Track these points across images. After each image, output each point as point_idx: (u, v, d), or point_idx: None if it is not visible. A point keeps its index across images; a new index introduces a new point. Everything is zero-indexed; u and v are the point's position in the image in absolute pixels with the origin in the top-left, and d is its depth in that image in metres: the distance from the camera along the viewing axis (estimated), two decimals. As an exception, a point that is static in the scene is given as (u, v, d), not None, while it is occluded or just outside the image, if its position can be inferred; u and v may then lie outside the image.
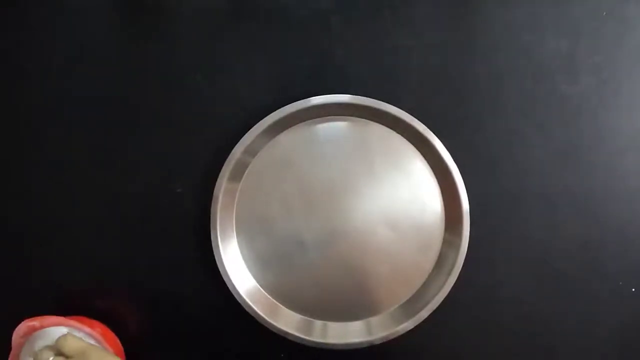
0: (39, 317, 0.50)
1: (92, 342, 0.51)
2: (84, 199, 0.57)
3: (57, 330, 0.51)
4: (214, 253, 0.55)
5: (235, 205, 0.56)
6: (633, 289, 0.57)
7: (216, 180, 0.55)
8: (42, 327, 0.50)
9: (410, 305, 0.56)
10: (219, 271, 0.55)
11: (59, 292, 0.55)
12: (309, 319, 0.56)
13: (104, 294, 0.57)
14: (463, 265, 0.55)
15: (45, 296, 0.55)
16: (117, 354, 0.51)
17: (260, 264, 0.56)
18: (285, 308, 0.56)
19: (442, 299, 0.54)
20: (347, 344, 0.55)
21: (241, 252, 0.56)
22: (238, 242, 0.56)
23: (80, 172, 0.57)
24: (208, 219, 0.55)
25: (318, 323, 0.56)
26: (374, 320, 0.56)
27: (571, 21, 0.58)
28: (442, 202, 0.57)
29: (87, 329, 0.50)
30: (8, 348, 0.50)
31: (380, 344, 0.55)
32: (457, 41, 0.58)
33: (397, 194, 0.56)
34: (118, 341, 0.54)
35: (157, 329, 0.57)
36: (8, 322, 0.50)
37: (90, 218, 0.57)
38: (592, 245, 0.57)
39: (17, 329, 0.50)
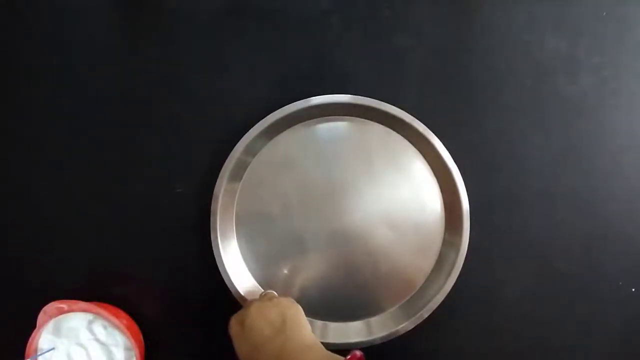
0: (68, 301, 0.51)
1: (117, 332, 0.52)
2: (84, 199, 0.57)
3: (83, 316, 0.51)
4: (214, 253, 0.55)
5: (235, 205, 0.56)
6: (633, 289, 0.57)
7: (216, 180, 0.55)
8: (70, 310, 0.51)
9: (410, 305, 0.56)
10: (219, 271, 0.55)
11: (58, 291, 0.55)
12: (309, 318, 0.56)
13: (103, 293, 0.56)
14: (463, 266, 0.54)
15: (44, 294, 0.55)
16: (138, 346, 0.52)
17: (260, 263, 0.56)
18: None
19: (442, 299, 0.54)
20: (347, 344, 0.54)
21: (241, 252, 0.56)
22: (238, 242, 0.56)
23: (80, 172, 0.57)
24: (208, 219, 0.55)
25: (318, 323, 0.56)
26: (374, 320, 0.56)
27: (571, 21, 0.58)
28: (442, 202, 0.57)
29: (114, 319, 0.51)
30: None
31: (380, 344, 0.55)
32: (457, 41, 0.58)
33: (397, 194, 0.56)
34: (140, 334, 0.54)
35: (157, 328, 0.56)
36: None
37: (91, 218, 0.57)
38: (592, 245, 0.57)
39: (44, 309, 0.51)
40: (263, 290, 0.55)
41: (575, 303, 0.57)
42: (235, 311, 0.55)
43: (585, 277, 0.57)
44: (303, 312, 0.50)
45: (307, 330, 0.48)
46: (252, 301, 0.50)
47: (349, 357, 0.42)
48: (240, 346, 0.47)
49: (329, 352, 0.45)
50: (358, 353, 0.43)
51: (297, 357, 0.44)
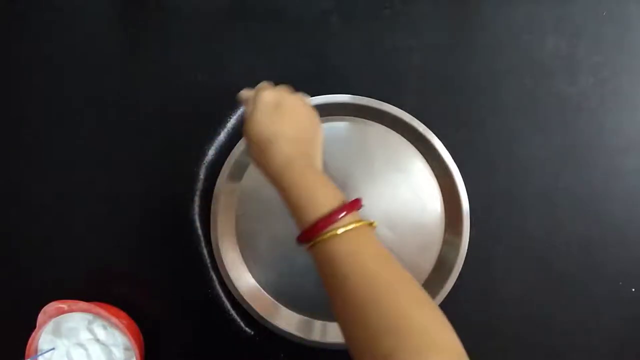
0: (68, 301, 0.51)
1: (117, 332, 0.52)
2: (84, 199, 0.57)
3: (83, 316, 0.51)
4: (214, 253, 0.55)
5: (235, 205, 0.56)
6: (633, 289, 0.57)
7: (216, 180, 0.55)
8: (70, 310, 0.51)
9: (410, 305, 0.56)
10: (219, 271, 0.55)
11: (58, 291, 0.55)
12: (309, 319, 0.56)
13: (103, 293, 0.56)
14: (463, 265, 0.54)
15: (44, 294, 0.55)
16: (137, 346, 0.52)
17: (260, 264, 0.56)
18: (285, 308, 0.56)
19: (442, 299, 0.54)
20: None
21: (241, 252, 0.56)
22: (238, 242, 0.56)
23: (80, 172, 0.57)
24: (208, 219, 0.55)
25: (318, 323, 0.56)
26: (374, 320, 0.56)
27: (571, 21, 0.58)
28: (442, 202, 0.57)
29: (114, 319, 0.51)
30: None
31: (380, 344, 0.54)
32: (457, 41, 0.58)
33: (397, 194, 0.56)
34: (140, 334, 0.54)
35: (157, 328, 0.56)
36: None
37: (91, 218, 0.57)
38: (592, 245, 0.57)
39: (44, 309, 0.51)
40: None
41: (575, 303, 0.57)
42: (235, 312, 0.55)
43: (585, 278, 0.57)
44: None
45: (322, 157, 0.44)
46: (296, 93, 0.45)
47: (352, 201, 0.40)
48: (255, 122, 0.41)
49: (334, 187, 0.42)
50: (361, 201, 0.40)
51: (307, 179, 0.41)
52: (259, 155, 0.42)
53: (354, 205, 0.40)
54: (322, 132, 0.45)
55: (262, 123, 0.41)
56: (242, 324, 0.57)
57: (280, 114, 0.42)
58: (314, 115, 0.44)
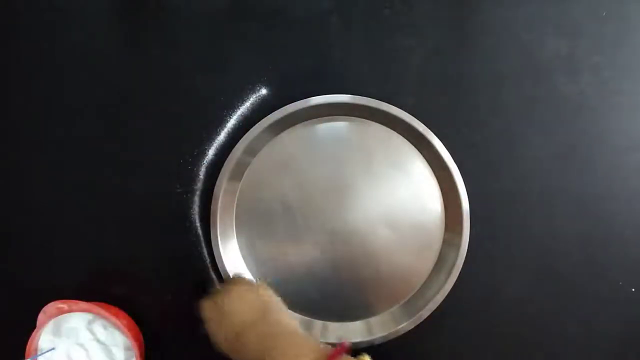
0: (68, 301, 0.51)
1: (117, 332, 0.52)
2: (84, 199, 0.57)
3: (83, 316, 0.51)
4: (214, 253, 0.55)
5: (235, 205, 0.56)
6: (633, 289, 0.57)
7: (216, 180, 0.55)
8: (70, 310, 0.52)
9: (410, 305, 0.56)
10: (219, 271, 0.55)
11: (58, 291, 0.55)
12: (309, 319, 0.56)
13: (103, 293, 0.56)
14: (463, 265, 0.55)
15: (44, 294, 0.55)
16: (137, 346, 0.52)
17: (260, 264, 0.56)
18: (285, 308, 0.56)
19: (442, 299, 0.54)
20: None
21: (241, 252, 0.56)
22: (238, 242, 0.56)
23: (80, 172, 0.57)
24: (208, 219, 0.55)
25: (318, 323, 0.56)
26: (374, 320, 0.56)
27: (571, 21, 0.58)
28: (442, 202, 0.57)
29: (114, 319, 0.51)
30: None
31: (380, 344, 0.55)
32: (457, 41, 0.58)
33: (397, 194, 0.56)
34: (140, 334, 0.54)
35: (157, 328, 0.57)
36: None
37: (90, 218, 0.57)
38: (593, 245, 0.57)
39: (44, 308, 0.51)
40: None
41: (575, 303, 0.57)
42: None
43: (585, 277, 0.57)
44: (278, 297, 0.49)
45: (287, 316, 0.48)
46: (229, 286, 0.49)
47: (337, 347, 0.42)
48: (219, 332, 0.47)
49: (313, 339, 0.45)
50: (347, 343, 0.43)
51: (283, 342, 0.44)
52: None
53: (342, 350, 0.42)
54: (272, 294, 0.49)
55: (221, 337, 0.47)
56: (242, 324, 0.56)
57: (230, 317, 0.46)
58: (258, 291, 0.49)
